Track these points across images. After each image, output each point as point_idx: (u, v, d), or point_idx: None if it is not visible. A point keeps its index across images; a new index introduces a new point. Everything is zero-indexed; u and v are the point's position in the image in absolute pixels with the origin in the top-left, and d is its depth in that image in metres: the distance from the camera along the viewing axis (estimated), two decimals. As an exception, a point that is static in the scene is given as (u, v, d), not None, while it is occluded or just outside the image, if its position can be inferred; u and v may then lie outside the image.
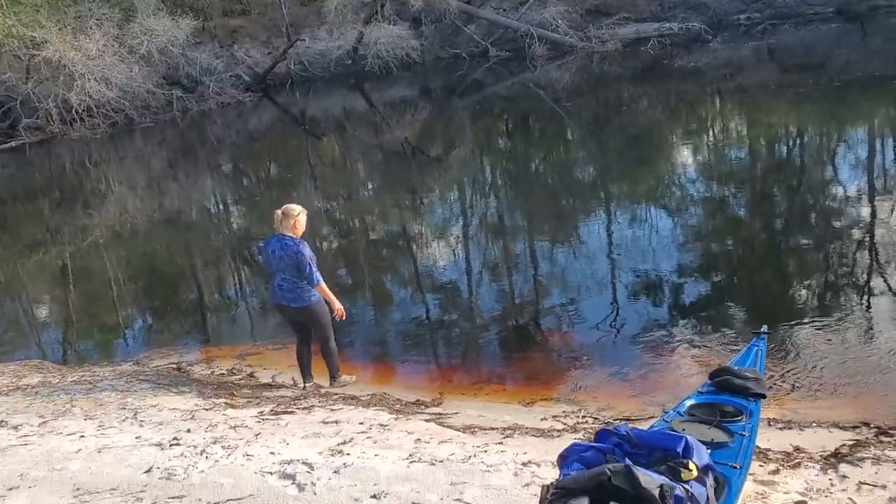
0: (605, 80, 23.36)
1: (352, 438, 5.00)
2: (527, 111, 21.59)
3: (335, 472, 4.44)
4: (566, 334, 7.21)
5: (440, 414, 5.76)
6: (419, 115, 23.43)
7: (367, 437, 5.01)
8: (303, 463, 4.60)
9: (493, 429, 5.29)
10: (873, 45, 22.15)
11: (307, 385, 6.56)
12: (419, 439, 4.90)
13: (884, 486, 4.06)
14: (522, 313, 7.81)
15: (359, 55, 28.27)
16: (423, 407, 6.01)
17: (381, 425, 5.26)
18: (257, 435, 5.21)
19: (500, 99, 23.78)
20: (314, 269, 6.17)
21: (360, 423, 5.32)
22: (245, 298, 10.38)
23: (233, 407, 6.02)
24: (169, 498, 4.27)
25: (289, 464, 4.60)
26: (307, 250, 6.15)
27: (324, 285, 6.25)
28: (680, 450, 3.39)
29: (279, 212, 6.23)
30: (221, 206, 16.11)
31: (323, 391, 6.46)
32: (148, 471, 4.63)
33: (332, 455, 4.71)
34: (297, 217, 6.21)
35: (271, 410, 5.84)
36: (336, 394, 6.35)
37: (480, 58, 27.72)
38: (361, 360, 7.25)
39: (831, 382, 5.81)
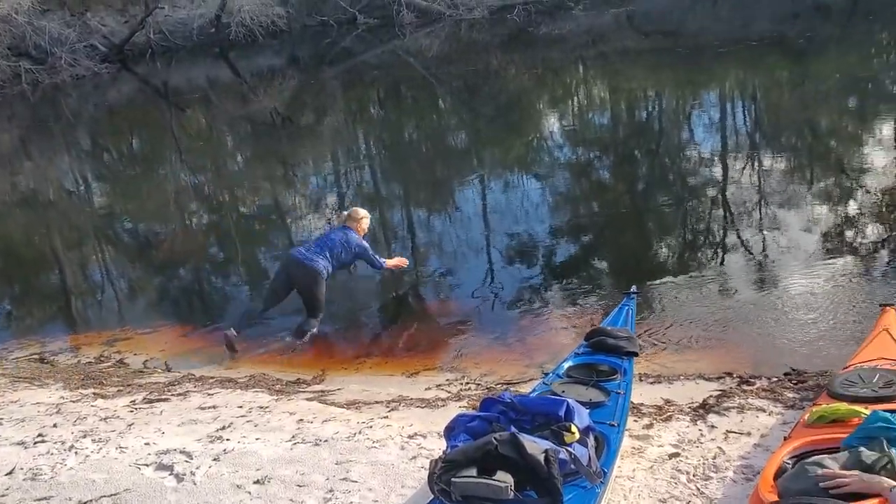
0: (474, 48, 23.45)
1: (231, 423, 4.81)
2: (397, 79, 21.39)
3: (215, 459, 4.25)
4: (445, 302, 7.21)
5: (323, 391, 5.63)
6: (288, 84, 22.80)
7: (248, 421, 4.83)
8: (180, 452, 4.38)
9: (377, 403, 5.21)
10: (722, 12, 23.20)
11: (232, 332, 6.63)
12: (302, 419, 4.77)
13: (749, 434, 4.26)
14: (401, 283, 7.72)
15: (222, 23, 27.16)
16: (304, 385, 5.85)
17: (261, 407, 5.08)
18: (130, 425, 4.93)
19: (370, 67, 23.44)
20: (375, 255, 7.01)
21: (240, 407, 5.13)
22: (112, 280, 9.82)
23: (102, 397, 5.68)
24: (35, 500, 3.97)
25: (165, 454, 4.37)
26: (368, 245, 7.01)
27: (388, 261, 7.15)
28: (562, 413, 3.43)
29: (346, 213, 7.18)
30: (82, 185, 15.17)
31: (198, 375, 6.18)
32: (10, 472, 4.29)
33: (211, 442, 4.51)
34: (362, 220, 7.10)
35: (144, 398, 5.54)
36: (212, 377, 6.10)
37: (349, 25, 27.22)
38: (238, 338, 6.98)
39: (696, 336, 6.05)
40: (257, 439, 4.50)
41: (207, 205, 12.44)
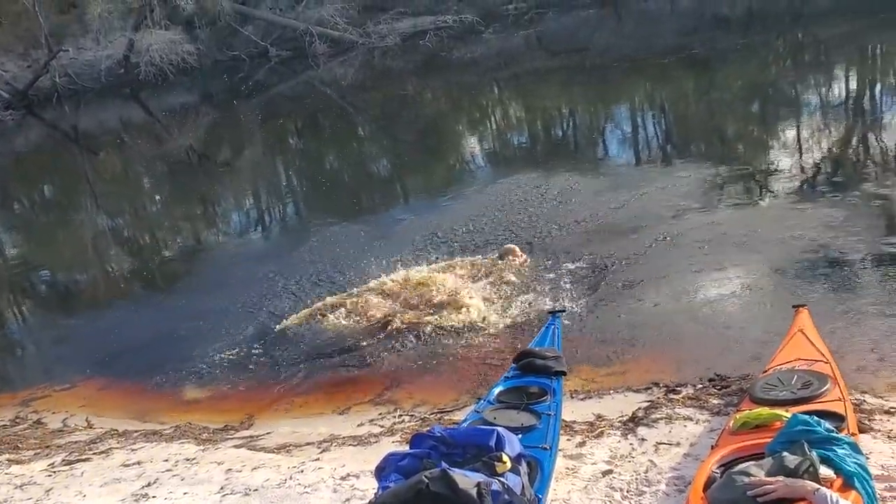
0: (389, 75, 23.49)
1: (157, 479, 4.62)
2: (314, 110, 21.23)
3: (140, 520, 4.07)
4: (374, 334, 7.04)
5: (251, 437, 5.47)
6: (202, 120, 22.42)
7: (174, 475, 4.65)
8: (103, 515, 4.18)
9: (308, 444, 5.09)
10: (627, 29, 23.84)
11: None
12: (230, 469, 4.61)
13: (678, 444, 4.31)
14: (325, 317, 7.53)
15: (131, 63, 26.54)
16: (232, 432, 5.68)
17: (187, 459, 4.90)
18: (48, 491, 4.69)
19: (285, 99, 23.23)
20: None
21: (165, 461, 4.94)
22: (27, 335, 9.42)
23: (18, 462, 5.40)
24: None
25: (87, 519, 4.16)
26: None
27: None
28: (492, 443, 3.40)
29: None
30: (-10, 236, 14.54)
31: (121, 430, 5.93)
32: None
33: (136, 501, 4.33)
34: None
35: (63, 460, 5.29)
36: (136, 431, 5.86)
37: (261, 58, 26.93)
38: (162, 387, 6.74)
39: (622, 348, 6.13)
40: (185, 494, 4.33)
41: (125, 249, 12.07)
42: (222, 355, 7.13)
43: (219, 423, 5.90)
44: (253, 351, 7.11)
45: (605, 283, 7.18)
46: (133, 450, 5.31)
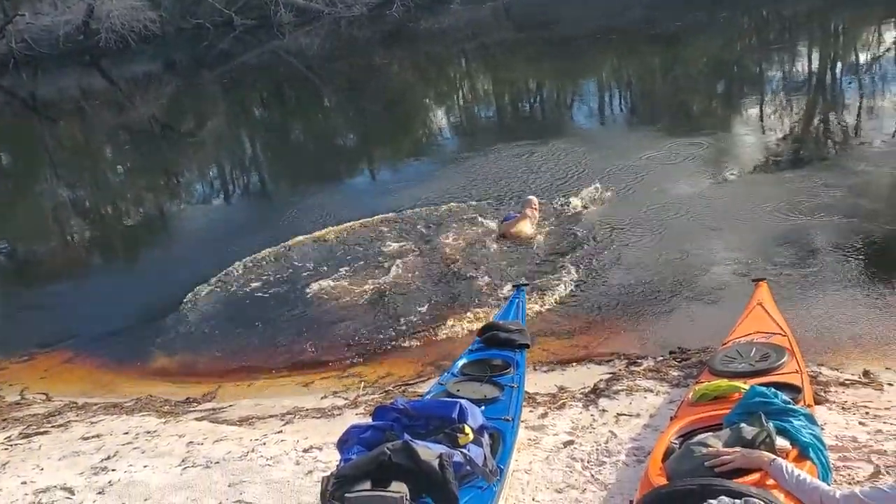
0: (355, 45, 23.22)
1: (116, 452, 4.55)
2: (280, 80, 20.95)
3: (99, 492, 4.02)
4: (335, 306, 6.98)
5: (214, 409, 5.41)
6: (165, 89, 21.99)
7: (134, 448, 4.59)
8: (61, 489, 4.12)
9: (271, 417, 5.05)
10: (593, 3, 23.75)
11: None
12: (192, 441, 4.56)
13: (638, 415, 4.35)
14: (291, 290, 7.45)
15: (91, 29, 25.89)
16: (194, 404, 5.61)
17: (148, 432, 4.84)
18: (4, 465, 4.61)
19: (250, 68, 22.85)
20: None
21: (125, 434, 4.87)
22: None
23: (-27, 436, 5.29)
24: None
25: (45, 492, 4.10)
26: None
27: None
28: (455, 415, 3.40)
29: None
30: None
31: (80, 403, 5.84)
32: None
33: (95, 474, 4.26)
34: None
35: (21, 433, 5.19)
36: (96, 404, 5.76)
37: (225, 27, 26.45)
38: (123, 359, 6.63)
39: (585, 320, 6.18)
40: (145, 467, 4.27)
41: (85, 219, 11.84)
42: (185, 327, 7.04)
43: (181, 396, 5.83)
44: (216, 323, 7.02)
45: (569, 256, 7.20)
46: (93, 423, 5.23)
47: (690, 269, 6.64)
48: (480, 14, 24.23)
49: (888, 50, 14.08)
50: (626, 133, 11.63)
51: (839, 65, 14.15)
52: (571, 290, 6.61)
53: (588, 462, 3.85)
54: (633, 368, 5.17)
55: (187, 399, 5.74)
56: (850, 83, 12.41)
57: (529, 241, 7.65)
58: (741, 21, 18.96)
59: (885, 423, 3.89)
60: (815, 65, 14.16)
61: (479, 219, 8.37)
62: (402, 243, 8.05)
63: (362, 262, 7.71)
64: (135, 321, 7.41)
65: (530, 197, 8.19)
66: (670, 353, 5.43)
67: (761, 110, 11.47)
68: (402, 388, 5.33)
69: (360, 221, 8.79)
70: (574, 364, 5.52)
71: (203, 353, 6.67)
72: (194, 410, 5.44)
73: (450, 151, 12.25)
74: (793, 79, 13.27)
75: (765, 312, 4.61)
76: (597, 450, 3.96)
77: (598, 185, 8.73)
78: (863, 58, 13.96)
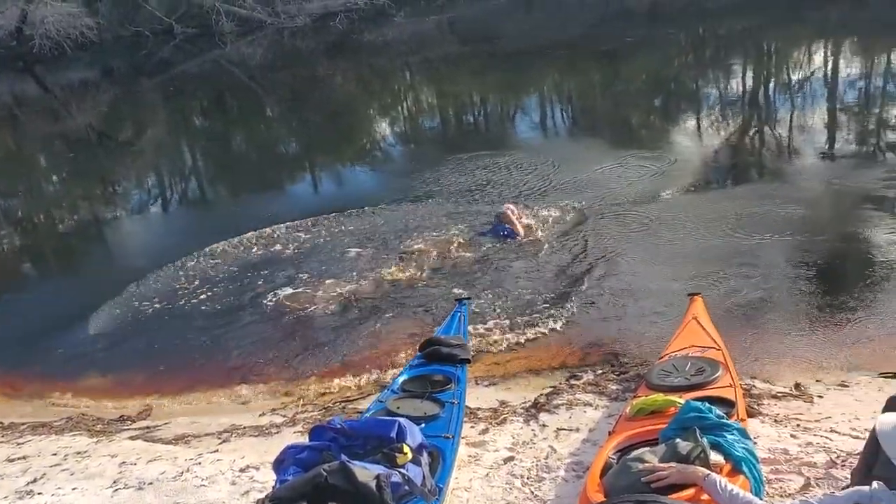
0: (299, 56, 23.04)
1: (44, 474, 4.39)
2: (221, 89, 20.63)
3: (25, 518, 3.86)
4: (275, 319, 6.86)
5: (148, 427, 5.26)
6: (103, 97, 21.45)
7: (63, 470, 4.43)
8: (-17, 514, 3.94)
9: (208, 435, 4.93)
10: (537, 19, 24.07)
11: None
12: (124, 462, 4.42)
13: (577, 429, 4.37)
14: (229, 302, 7.29)
15: (24, 35, 25.12)
16: (128, 422, 5.45)
17: (78, 453, 4.67)
18: (-78, 490, 4.39)
19: (191, 77, 22.44)
20: None
21: (54, 455, 4.69)
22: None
23: None
24: None
25: (-35, 519, 3.92)
26: None
27: None
28: (393, 434, 3.36)
29: None
30: None
31: (6, 423, 5.61)
32: None
33: (20, 499, 4.10)
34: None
35: (-59, 457, 4.96)
36: (24, 423, 5.55)
37: (165, 35, 25.92)
38: (52, 376, 6.40)
39: (527, 334, 6.18)
40: (74, 489, 4.13)
41: (15, 230, 11.42)
42: (119, 342, 6.83)
43: (114, 414, 5.65)
44: (153, 336, 6.84)
45: (511, 271, 7.22)
46: (19, 444, 5.03)
47: (630, 283, 6.74)
48: (424, 27, 24.29)
49: (818, 68, 14.57)
50: (569, 147, 11.74)
51: (773, 82, 14.59)
52: (513, 303, 6.63)
53: (528, 478, 3.85)
54: (573, 382, 5.21)
55: (121, 417, 5.57)
56: (783, 99, 12.81)
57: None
58: (678, 38, 19.38)
59: (815, 435, 3.98)
60: (751, 81, 14.57)
61: (423, 231, 8.34)
62: (343, 254, 7.98)
63: (303, 273, 7.61)
64: (64, 335, 7.14)
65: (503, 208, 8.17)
66: (610, 365, 5.50)
67: (699, 126, 11.73)
68: (343, 404, 5.27)
69: (300, 230, 8.69)
70: (516, 378, 5.55)
71: (138, 369, 6.47)
72: (128, 429, 5.28)
73: (393, 163, 12.26)
74: (729, 95, 13.62)
75: (699, 326, 4.69)
76: (537, 466, 3.96)
77: (539, 198, 8.81)
78: (795, 75, 14.43)
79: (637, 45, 18.12)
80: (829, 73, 14.05)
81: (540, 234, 7.94)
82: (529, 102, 15.29)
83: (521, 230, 7.93)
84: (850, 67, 14.07)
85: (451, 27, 24.21)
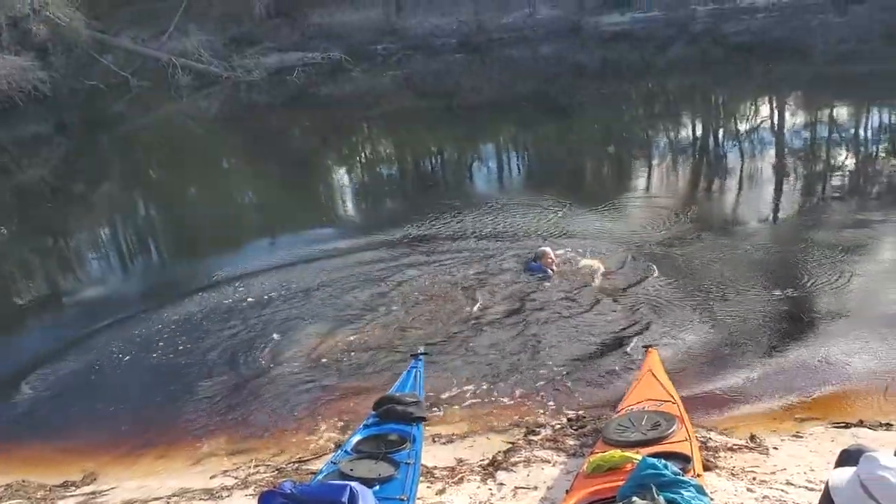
0: (255, 109, 23.05)
1: (-20, 547, 4.17)
2: (177, 142, 20.50)
3: None
4: (228, 377, 6.65)
5: (94, 493, 5.05)
6: (56, 152, 21.12)
7: (1, 542, 4.21)
8: None
9: (155, 499, 4.76)
10: (492, 74, 24.52)
11: None
12: (67, 532, 4.22)
13: (536, 488, 4.31)
14: (178, 358, 7.06)
15: (-25, 88, 24.76)
16: (72, 488, 5.22)
17: (18, 523, 4.45)
18: None
19: (146, 130, 22.29)
20: None
21: (-9, 526, 4.47)
22: None
23: None
24: None
25: None
26: None
27: None
28: (345, 500, 3.26)
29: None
30: None
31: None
32: None
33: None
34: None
35: None
36: (-43, 493, 5.28)
37: (121, 88, 25.79)
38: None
39: (484, 389, 6.11)
40: (12, 563, 3.92)
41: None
42: (63, 403, 6.59)
43: (57, 479, 5.41)
44: (97, 397, 6.61)
45: (468, 325, 7.18)
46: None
47: (587, 336, 6.74)
48: (381, 82, 24.55)
49: (762, 122, 15.05)
50: (519, 197, 11.75)
51: (721, 134, 15.02)
52: (470, 357, 6.57)
53: (485, 540, 3.76)
54: (531, 438, 5.16)
55: (65, 483, 5.33)
56: (735, 151, 13.18)
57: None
58: (628, 92, 19.91)
59: (770, 488, 3.98)
60: (697, 134, 14.99)
61: (379, 283, 8.28)
62: (296, 307, 7.87)
63: (255, 329, 7.46)
64: (3, 396, 6.87)
65: (544, 249, 8.27)
66: (568, 420, 5.47)
67: (649, 180, 11.96)
68: (296, 465, 5.13)
69: (251, 284, 8.57)
70: (474, 435, 5.46)
71: (83, 430, 6.23)
72: (72, 495, 5.06)
73: (351, 214, 12.26)
74: (676, 146, 13.99)
75: (655, 379, 4.70)
76: (494, 526, 3.89)
77: (495, 249, 8.83)
78: (741, 128, 14.90)
79: (588, 100, 18.56)
80: (775, 124, 14.57)
81: (497, 287, 7.93)
82: (482, 154, 15.51)
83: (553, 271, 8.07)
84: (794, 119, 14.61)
85: (408, 82, 24.52)
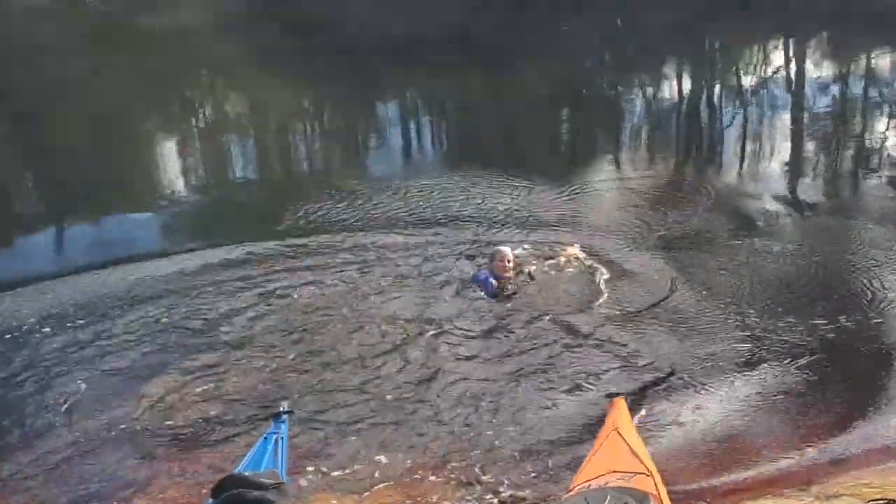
0: (42, 49, 22.54)
1: None
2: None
3: None
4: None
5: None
6: None
7: None
8: None
9: None
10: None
11: None
12: None
13: None
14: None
15: None
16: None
17: None
18: None
19: None
20: None
21: None
22: None
23: None
24: None
25: None
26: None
27: None
28: None
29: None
30: None
31: None
32: None
33: None
34: None
35: None
36: None
37: None
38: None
39: (382, 460, 6.10)
40: None
41: None
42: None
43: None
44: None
45: (364, 361, 7.18)
46: None
47: (536, 377, 6.86)
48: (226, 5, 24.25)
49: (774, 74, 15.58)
50: (451, 178, 11.69)
51: (716, 92, 15.49)
52: (366, 413, 6.57)
53: None
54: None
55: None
56: (725, 115, 13.61)
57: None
58: (589, 31, 20.27)
59: None
60: (688, 91, 15.41)
61: (231, 298, 8.23)
62: (101, 337, 7.78)
63: (43, 372, 7.33)
64: None
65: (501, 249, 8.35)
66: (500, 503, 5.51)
67: (618, 151, 12.23)
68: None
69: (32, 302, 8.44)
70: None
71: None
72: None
73: (179, 203, 12.08)
74: (660, 109, 14.33)
75: (623, 442, 4.77)
76: None
77: (415, 245, 8.91)
78: (744, 82, 15.38)
79: (540, 42, 18.81)
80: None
81: (419, 307, 7.97)
82: (383, 114, 15.58)
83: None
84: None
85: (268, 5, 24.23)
